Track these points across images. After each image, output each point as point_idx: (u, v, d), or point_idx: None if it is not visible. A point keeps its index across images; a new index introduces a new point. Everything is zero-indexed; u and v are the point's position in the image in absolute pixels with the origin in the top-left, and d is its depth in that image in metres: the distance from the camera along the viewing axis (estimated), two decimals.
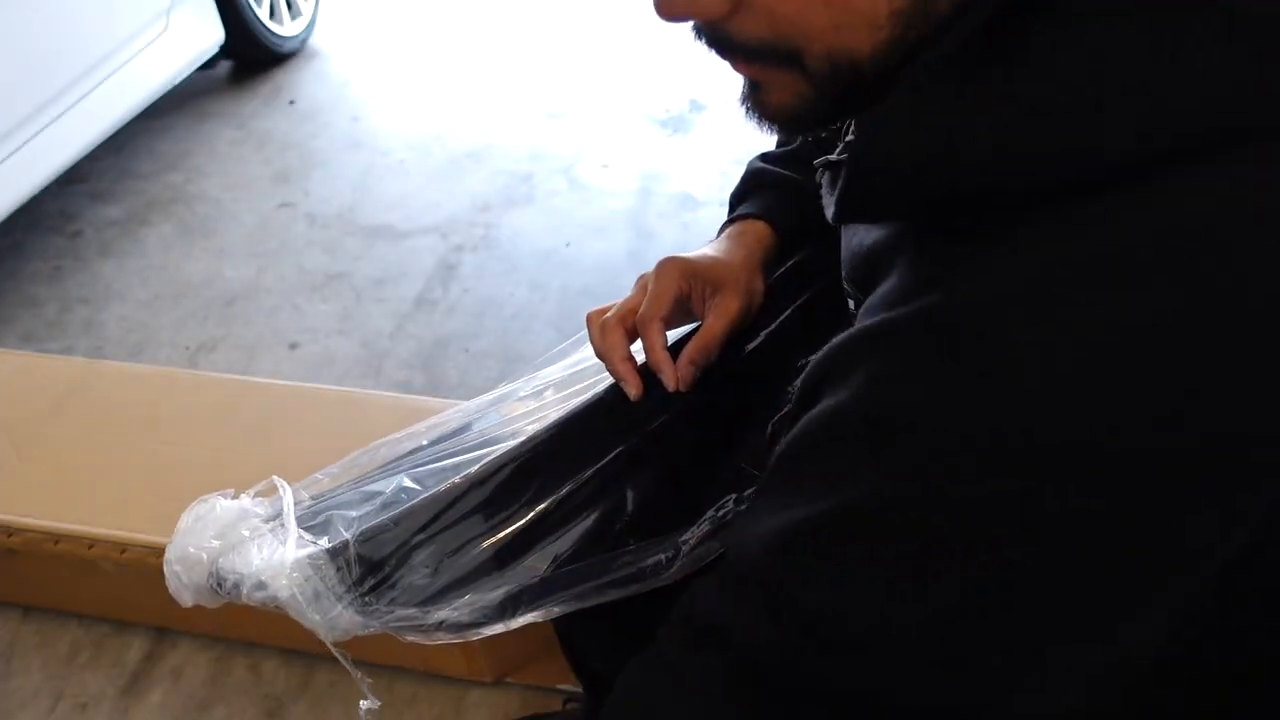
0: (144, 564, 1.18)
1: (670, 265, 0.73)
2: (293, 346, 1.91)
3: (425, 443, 0.79)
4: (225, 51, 2.65)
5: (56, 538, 1.20)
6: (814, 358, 0.45)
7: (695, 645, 0.47)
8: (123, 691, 1.28)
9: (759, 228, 0.78)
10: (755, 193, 0.81)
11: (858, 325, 0.43)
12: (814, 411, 0.43)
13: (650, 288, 0.72)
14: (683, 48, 2.88)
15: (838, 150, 0.55)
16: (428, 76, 2.93)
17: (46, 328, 1.98)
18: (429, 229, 2.24)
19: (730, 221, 0.81)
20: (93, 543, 1.19)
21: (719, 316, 0.71)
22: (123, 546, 1.19)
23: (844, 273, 0.56)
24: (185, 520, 0.71)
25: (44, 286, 2.10)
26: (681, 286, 0.72)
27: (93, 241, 2.24)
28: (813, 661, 0.42)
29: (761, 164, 0.83)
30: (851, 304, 0.57)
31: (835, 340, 0.43)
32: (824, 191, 0.55)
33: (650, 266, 0.75)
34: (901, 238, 0.45)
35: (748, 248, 0.76)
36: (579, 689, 1.12)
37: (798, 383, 0.47)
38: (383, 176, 2.45)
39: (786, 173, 0.81)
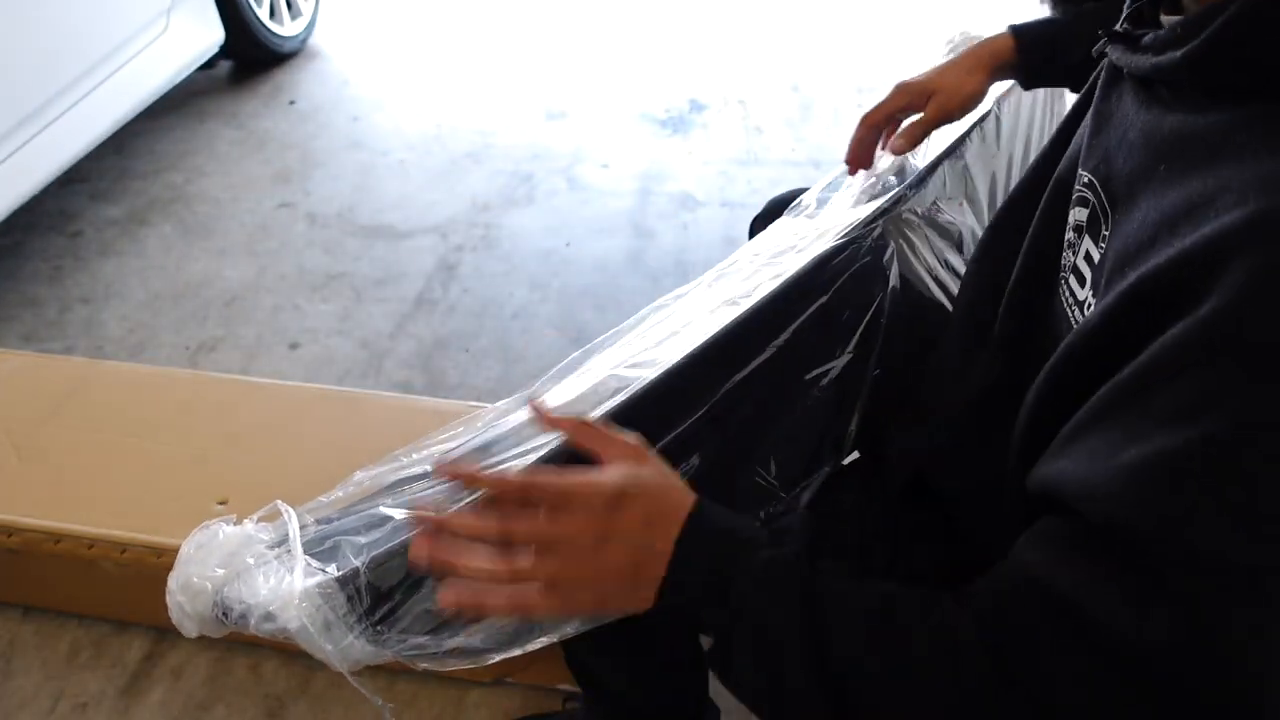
0: (144, 564, 1.18)
1: (896, 86, 0.94)
2: (293, 346, 1.91)
3: (430, 469, 0.77)
4: (225, 51, 2.65)
5: (56, 538, 1.20)
6: (1155, 262, 0.42)
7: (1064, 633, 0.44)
8: (123, 691, 1.28)
9: (1002, 42, 0.92)
10: (1046, 19, 0.92)
11: (1220, 220, 0.39)
12: (1163, 339, 0.40)
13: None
14: (683, 48, 2.87)
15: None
16: (428, 76, 2.93)
17: (46, 328, 1.98)
18: (429, 229, 2.24)
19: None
20: (93, 543, 1.19)
21: (930, 113, 0.92)
22: (123, 546, 1.18)
23: (1098, 164, 0.55)
24: (187, 548, 0.69)
25: (44, 286, 2.10)
26: (899, 101, 0.94)
27: (93, 241, 2.24)
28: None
29: None
30: (1083, 211, 0.55)
31: (1186, 242, 0.40)
32: (1121, 56, 0.53)
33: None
34: (1246, 120, 0.42)
35: (978, 55, 0.92)
36: (579, 689, 1.12)
37: (1123, 285, 0.44)
38: (383, 176, 2.45)
39: (1072, 15, 0.89)
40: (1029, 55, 0.91)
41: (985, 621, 0.47)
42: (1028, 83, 0.96)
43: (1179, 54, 0.46)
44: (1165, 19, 0.53)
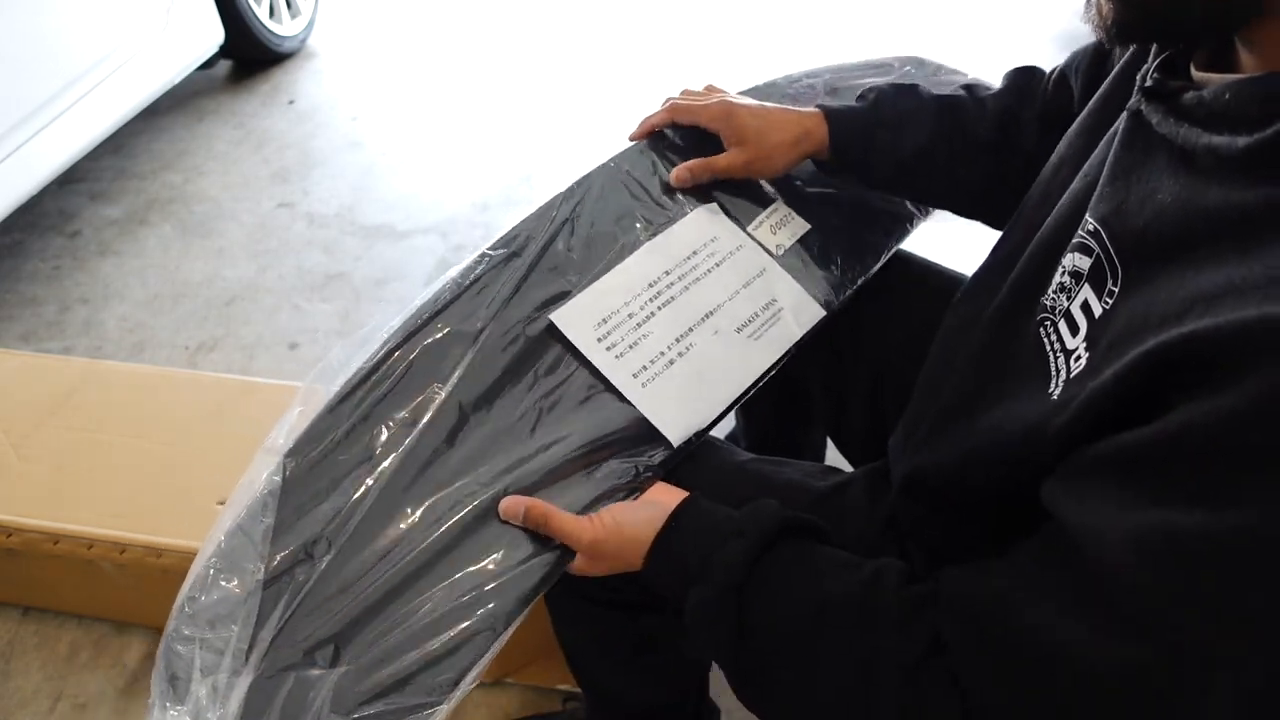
0: (143, 564, 1.18)
1: (721, 105, 0.89)
2: (293, 346, 1.91)
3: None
4: (225, 51, 2.65)
5: (56, 538, 1.20)
6: (1182, 330, 0.41)
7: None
8: (122, 691, 1.28)
9: (816, 126, 0.86)
10: (866, 101, 0.87)
11: (1257, 308, 0.38)
12: (1197, 407, 0.40)
13: (697, 101, 0.92)
14: (682, 49, 2.85)
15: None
16: (427, 76, 2.93)
17: (46, 328, 1.98)
18: (429, 229, 2.24)
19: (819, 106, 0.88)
20: (92, 543, 1.19)
21: (726, 158, 0.87)
22: (122, 547, 1.18)
23: (1108, 215, 0.53)
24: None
25: (43, 286, 2.10)
26: (714, 122, 0.89)
27: (92, 241, 2.24)
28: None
29: (893, 94, 0.87)
30: (1084, 260, 0.53)
31: (1224, 319, 0.39)
32: (1162, 122, 0.50)
33: None
34: None
35: (795, 132, 0.86)
36: (579, 689, 1.12)
37: (1147, 346, 0.43)
38: (383, 176, 2.44)
39: (897, 110, 0.85)
40: (842, 148, 0.87)
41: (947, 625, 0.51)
42: (834, 171, 0.91)
43: (1239, 144, 0.43)
44: (1201, 76, 0.50)
